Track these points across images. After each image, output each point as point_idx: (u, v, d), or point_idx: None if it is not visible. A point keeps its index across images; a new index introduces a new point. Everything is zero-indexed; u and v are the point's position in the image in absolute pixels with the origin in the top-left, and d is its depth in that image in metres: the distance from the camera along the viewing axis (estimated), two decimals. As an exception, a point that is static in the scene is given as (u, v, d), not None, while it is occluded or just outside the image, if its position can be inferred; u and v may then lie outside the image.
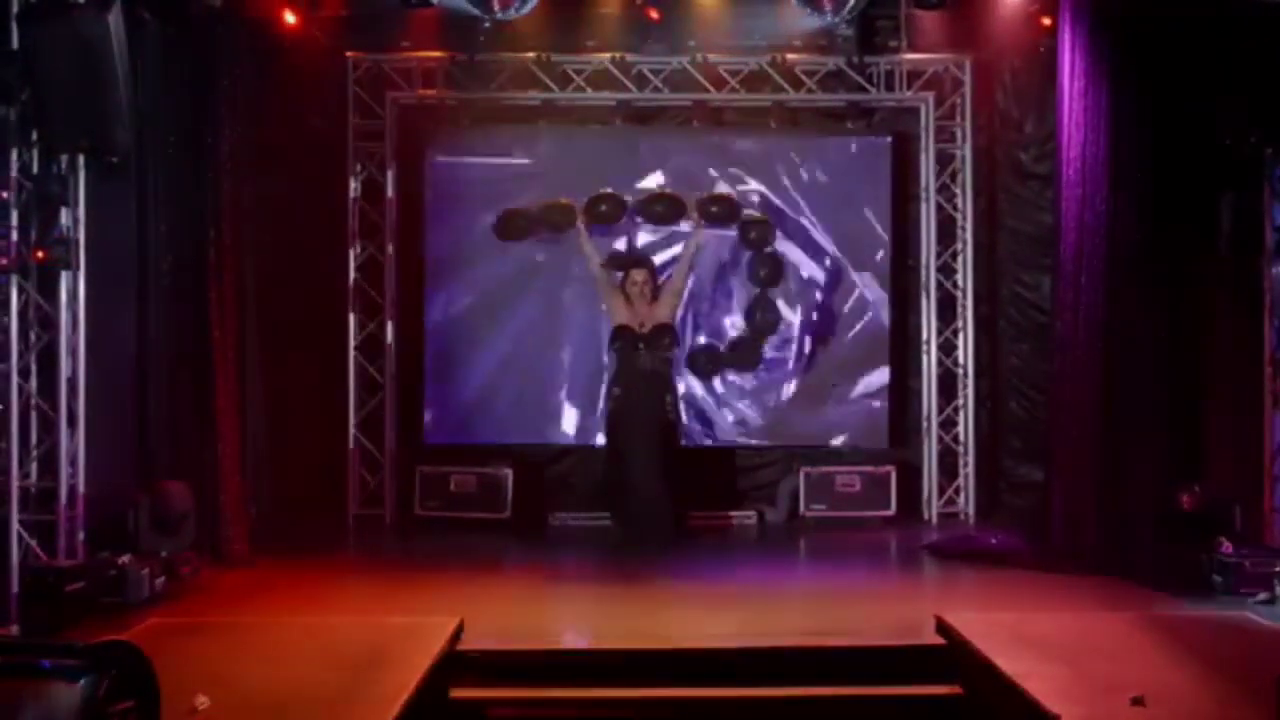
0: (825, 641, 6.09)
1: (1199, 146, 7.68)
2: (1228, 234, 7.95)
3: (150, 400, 7.76)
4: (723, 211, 9.17)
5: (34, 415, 6.86)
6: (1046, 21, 8.77)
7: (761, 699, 5.73)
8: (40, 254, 6.72)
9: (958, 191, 10.01)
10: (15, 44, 6.48)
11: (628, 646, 6.06)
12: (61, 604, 6.21)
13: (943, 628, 5.98)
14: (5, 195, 6.63)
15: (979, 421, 9.96)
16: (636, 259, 9.20)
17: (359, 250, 9.85)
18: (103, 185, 7.11)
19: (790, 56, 9.77)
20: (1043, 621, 6.16)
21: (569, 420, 9.90)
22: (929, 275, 9.99)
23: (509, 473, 9.57)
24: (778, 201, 9.95)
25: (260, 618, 6.42)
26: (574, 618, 6.69)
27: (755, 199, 9.88)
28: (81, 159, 6.90)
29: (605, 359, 9.41)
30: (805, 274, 9.99)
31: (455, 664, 5.74)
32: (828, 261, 9.99)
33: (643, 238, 9.80)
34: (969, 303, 9.97)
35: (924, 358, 10.03)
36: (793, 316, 9.94)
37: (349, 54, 9.69)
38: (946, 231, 10.02)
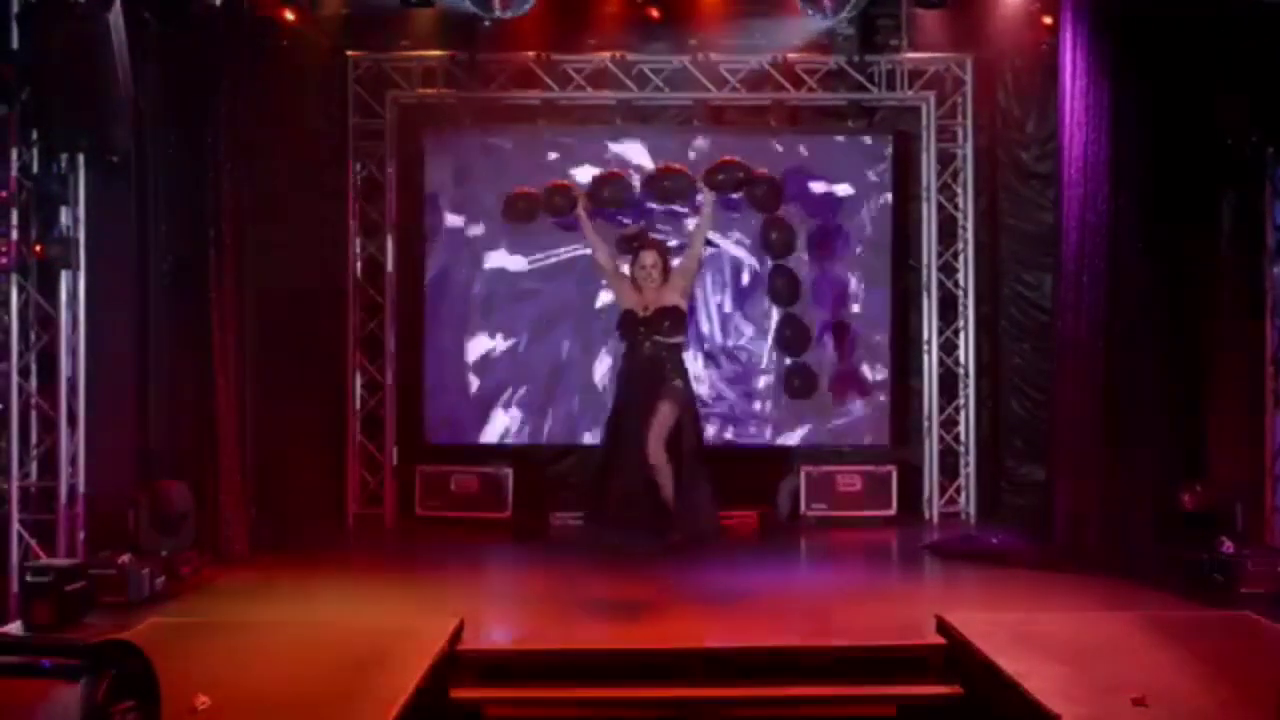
0: (826, 641, 6.08)
1: (1200, 145, 7.68)
2: (1229, 233, 7.94)
3: (150, 400, 7.76)
4: (729, 179, 8.46)
5: (34, 415, 6.87)
6: (1048, 20, 8.78)
7: (761, 698, 5.72)
8: (39, 248, 6.71)
9: (959, 191, 10.00)
10: (15, 43, 6.48)
11: (628, 646, 6.06)
12: (62, 603, 6.20)
13: (943, 627, 5.97)
14: (5, 195, 6.62)
15: (980, 421, 9.95)
16: (646, 240, 8.55)
17: (359, 249, 9.84)
18: (103, 185, 7.10)
19: (791, 56, 9.77)
20: (1044, 621, 6.15)
21: (570, 420, 9.89)
22: (930, 274, 9.98)
23: (509, 472, 9.57)
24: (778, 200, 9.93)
25: (260, 617, 6.41)
26: (574, 618, 6.68)
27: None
28: (82, 158, 6.90)
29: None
30: (805, 274, 9.96)
31: (455, 664, 5.74)
32: (827, 260, 9.98)
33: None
34: (970, 302, 9.97)
35: (925, 357, 10.02)
36: (793, 314, 9.92)
37: (349, 53, 9.68)
38: (948, 231, 10.02)
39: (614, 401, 8.18)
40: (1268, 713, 4.76)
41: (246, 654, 5.54)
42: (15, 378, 6.70)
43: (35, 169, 6.72)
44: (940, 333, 10.00)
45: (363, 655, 5.48)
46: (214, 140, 7.98)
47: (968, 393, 9.97)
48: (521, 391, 9.92)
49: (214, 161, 7.96)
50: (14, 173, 6.66)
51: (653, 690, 5.74)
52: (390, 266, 9.84)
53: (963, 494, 9.95)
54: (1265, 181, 7.66)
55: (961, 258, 9.99)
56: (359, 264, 9.85)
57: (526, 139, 9.96)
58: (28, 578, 6.28)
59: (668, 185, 8.63)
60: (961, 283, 9.99)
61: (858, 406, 9.95)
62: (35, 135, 6.64)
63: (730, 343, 10.01)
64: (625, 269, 8.11)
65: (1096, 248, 7.73)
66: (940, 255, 10.00)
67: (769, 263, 9.26)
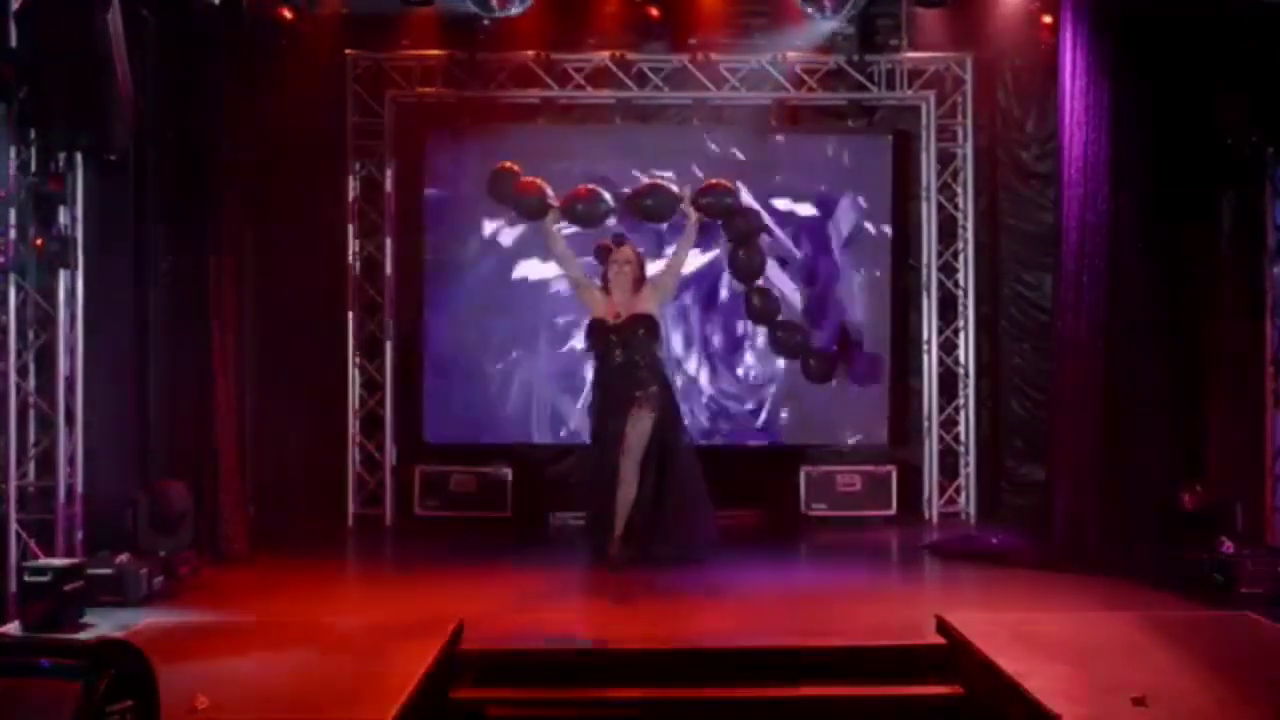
0: (826, 641, 6.07)
1: (1200, 145, 7.67)
2: (1229, 233, 7.93)
3: (149, 399, 7.75)
4: (717, 205, 8.27)
5: (32, 414, 6.85)
6: (1048, 20, 8.78)
7: (761, 699, 5.71)
8: (40, 242, 6.69)
9: (959, 190, 9.99)
10: (14, 41, 6.46)
11: (628, 647, 6.05)
12: (60, 603, 6.19)
13: (943, 627, 5.97)
14: (3, 194, 6.61)
15: (980, 421, 9.95)
16: (622, 239, 8.13)
17: (358, 249, 9.83)
18: (101, 184, 7.09)
19: (791, 55, 9.76)
20: (1044, 621, 6.15)
21: (570, 419, 9.88)
22: (930, 274, 9.98)
23: (509, 472, 9.56)
24: (776, 197, 9.95)
25: (259, 618, 6.40)
26: (574, 618, 6.67)
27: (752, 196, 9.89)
28: (80, 157, 6.88)
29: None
30: (803, 272, 9.97)
31: (455, 664, 5.73)
32: (828, 261, 9.98)
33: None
34: (970, 302, 9.96)
35: (925, 357, 10.02)
36: (792, 315, 9.93)
37: (348, 52, 9.67)
38: (947, 230, 10.01)
39: (592, 418, 7.96)
40: (1268, 713, 4.75)
41: (245, 654, 5.53)
42: (13, 377, 6.69)
43: (33, 168, 6.70)
44: (940, 332, 10.00)
45: (362, 655, 5.48)
46: (212, 139, 7.97)
47: (968, 393, 9.96)
48: (521, 391, 9.91)
49: (212, 161, 7.95)
50: (12, 171, 6.64)
51: (653, 690, 5.72)
52: (389, 266, 9.83)
53: (963, 494, 9.95)
54: (1265, 181, 7.64)
55: (961, 257, 9.99)
56: (358, 263, 9.84)
57: (526, 138, 9.94)
58: (26, 577, 6.27)
59: (649, 204, 8.28)
60: (961, 282, 9.99)
61: (858, 404, 9.94)
62: (33, 134, 6.62)
63: (729, 341, 9.99)
64: (596, 280, 7.92)
65: (1096, 247, 7.72)
66: (940, 255, 10.00)
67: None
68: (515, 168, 8.26)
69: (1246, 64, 7.28)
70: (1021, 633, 5.77)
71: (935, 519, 9.79)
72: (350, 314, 9.78)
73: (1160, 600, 6.78)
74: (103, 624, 6.08)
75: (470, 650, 5.85)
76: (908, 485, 9.81)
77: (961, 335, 10.00)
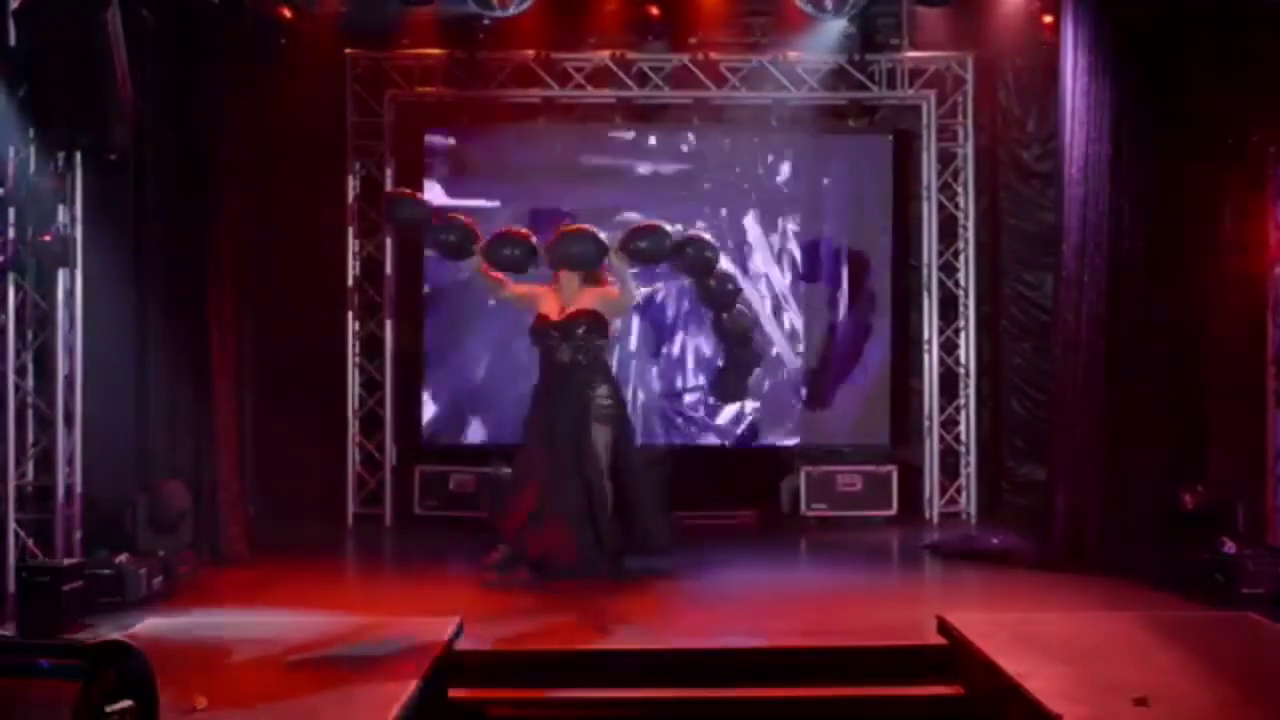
0: (826, 641, 6.06)
1: (1202, 145, 7.66)
2: (1230, 233, 7.92)
3: (148, 399, 7.74)
4: (654, 248, 7.41)
5: (31, 414, 6.84)
6: (1049, 19, 8.76)
7: (762, 699, 5.70)
8: (48, 237, 6.68)
9: (959, 190, 9.98)
10: (13, 40, 6.45)
11: (627, 647, 6.04)
12: (59, 603, 6.18)
13: (944, 628, 5.95)
14: (2, 193, 6.60)
15: (981, 421, 9.94)
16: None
17: (358, 249, 9.82)
18: (100, 183, 7.08)
19: (791, 54, 9.75)
20: (1045, 621, 6.13)
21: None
22: (930, 274, 9.97)
23: (508, 472, 9.52)
24: (778, 197, 9.95)
25: (258, 618, 6.39)
26: (573, 618, 6.66)
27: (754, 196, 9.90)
28: (79, 157, 6.88)
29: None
30: (804, 272, 9.97)
31: (454, 665, 5.71)
32: (829, 260, 9.97)
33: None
34: (971, 302, 9.95)
35: (925, 357, 10.00)
36: (793, 315, 9.93)
37: (348, 51, 9.66)
38: (948, 230, 10.00)
39: (530, 415, 7.51)
40: (1269, 713, 4.74)
41: (244, 654, 5.51)
42: (12, 377, 6.68)
43: (33, 167, 6.70)
44: (941, 332, 9.99)
45: (362, 655, 5.46)
46: (211, 139, 7.96)
47: (968, 392, 9.95)
48: (521, 391, 9.87)
49: (211, 160, 7.95)
50: (11, 170, 6.63)
51: (652, 691, 5.71)
52: (389, 266, 9.82)
53: (963, 494, 9.94)
54: (1267, 181, 7.64)
55: (962, 257, 9.98)
56: (358, 263, 9.83)
57: (526, 137, 9.94)
58: (25, 578, 6.26)
59: (575, 252, 7.42)
60: (962, 282, 9.98)
61: (859, 404, 9.93)
62: (33, 133, 6.61)
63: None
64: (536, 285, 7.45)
65: (1098, 247, 7.72)
66: (941, 255, 9.99)
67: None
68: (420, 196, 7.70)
69: (1249, 63, 7.27)
70: (1022, 633, 5.75)
71: (936, 519, 9.78)
72: (350, 314, 9.77)
73: (1161, 600, 6.77)
74: (102, 624, 6.07)
75: (469, 650, 5.83)
76: (908, 485, 9.80)
77: (962, 335, 9.99)
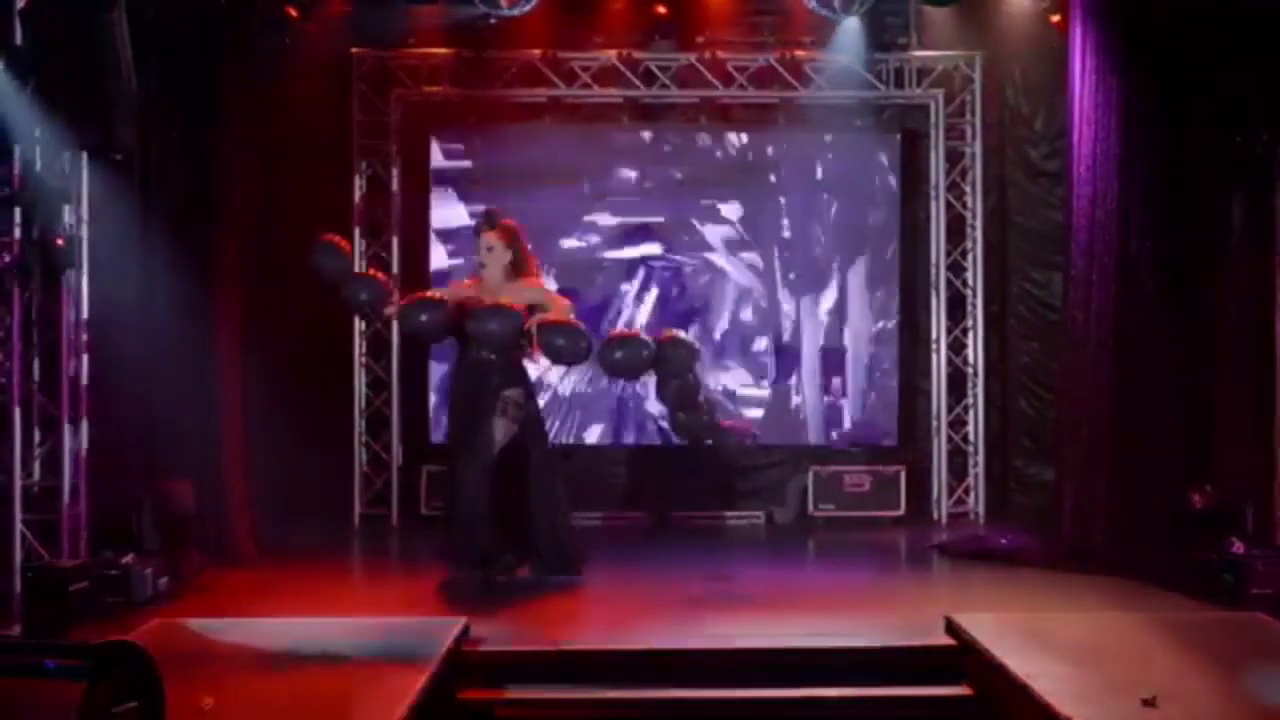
0: (833, 642, 6.04)
1: (1211, 144, 7.63)
2: (1240, 232, 7.88)
3: (154, 399, 7.73)
4: (628, 359, 6.75)
5: (37, 414, 6.83)
6: (1056, 18, 8.73)
7: (769, 700, 5.68)
8: (61, 241, 6.68)
9: (967, 189, 9.96)
10: (19, 39, 6.45)
11: (635, 647, 6.02)
12: (65, 604, 6.17)
13: (952, 628, 5.93)
14: (8, 192, 6.60)
15: (989, 421, 9.91)
16: (490, 219, 6.98)
17: (364, 248, 9.82)
18: (106, 183, 7.08)
19: (799, 53, 9.73)
20: (1053, 622, 6.11)
21: (579, 419, 9.86)
22: (938, 273, 9.94)
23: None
24: (785, 196, 9.94)
25: (265, 618, 6.38)
26: (581, 618, 6.65)
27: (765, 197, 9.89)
28: (85, 156, 6.87)
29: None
30: (812, 272, 9.96)
31: (462, 665, 5.70)
32: (836, 259, 9.96)
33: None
34: (979, 301, 9.93)
35: (933, 356, 9.98)
36: (800, 315, 9.92)
37: (354, 50, 9.65)
38: (956, 229, 9.98)
39: (450, 425, 7.09)
40: (1278, 714, 4.71)
41: (251, 655, 5.50)
42: (18, 376, 6.67)
43: (39, 166, 6.69)
44: (949, 332, 9.96)
45: (368, 656, 5.45)
46: (217, 138, 7.96)
47: (976, 392, 9.93)
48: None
49: (217, 160, 7.94)
50: (17, 170, 6.63)
51: (659, 692, 5.70)
52: (395, 265, 9.81)
53: (971, 494, 9.91)
54: (1276, 179, 7.60)
55: (970, 256, 9.95)
56: (364, 263, 9.81)
57: (532, 137, 9.93)
58: (31, 578, 6.26)
59: (494, 329, 6.65)
60: (970, 281, 9.95)
61: (866, 404, 9.92)
62: (39, 133, 6.61)
63: (735, 341, 9.98)
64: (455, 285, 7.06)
65: (1106, 246, 7.69)
66: (949, 254, 9.96)
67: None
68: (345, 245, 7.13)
69: (1257, 61, 7.23)
70: (1031, 633, 5.73)
71: (944, 519, 9.76)
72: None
73: (1170, 601, 6.75)
74: (107, 625, 6.06)
75: (477, 651, 5.82)
76: (916, 485, 9.78)
77: (970, 334, 9.97)
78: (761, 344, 9.94)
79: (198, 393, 7.82)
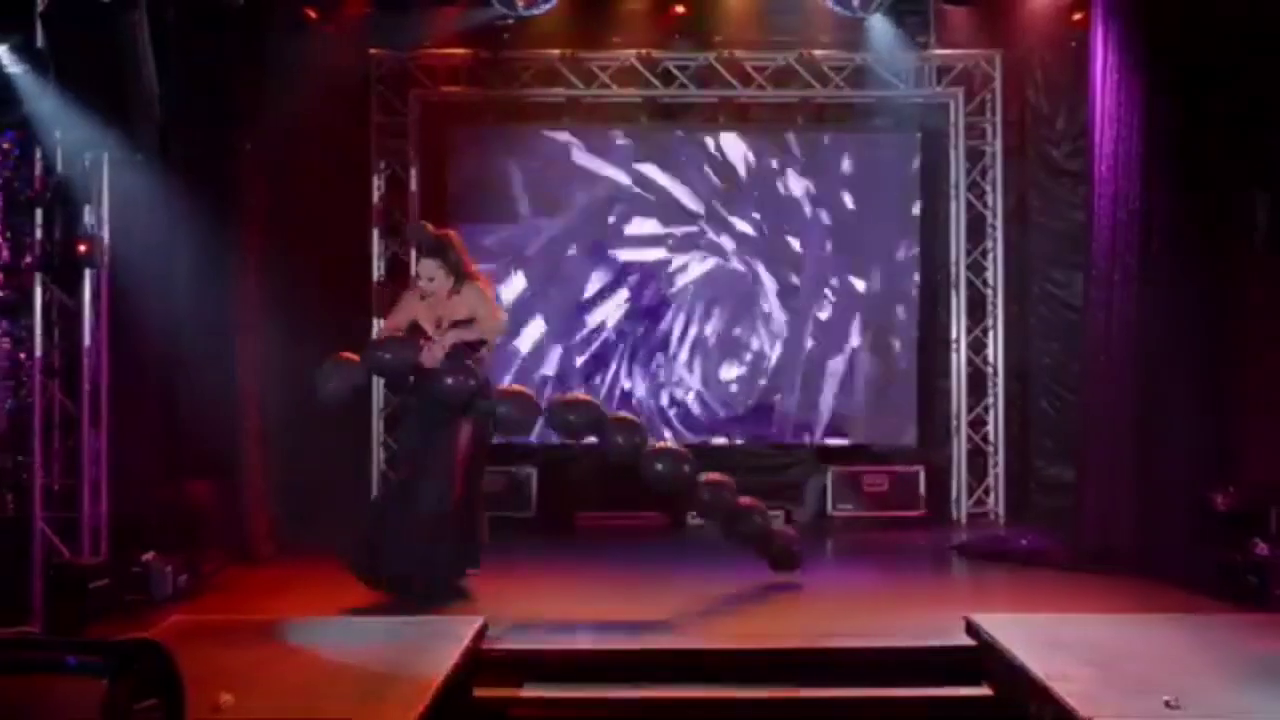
0: (853, 642, 6.02)
1: (1234, 143, 7.56)
2: (1264, 231, 7.80)
3: (174, 399, 7.77)
4: (582, 420, 6.87)
5: (58, 413, 6.87)
6: (1078, 16, 8.68)
7: (788, 700, 5.66)
8: (84, 246, 6.71)
9: (987, 188, 9.92)
10: (40, 42, 6.48)
11: (652, 646, 6.02)
12: (85, 601, 6.21)
13: (972, 629, 5.90)
14: (30, 194, 6.64)
15: (1009, 421, 9.86)
16: (427, 243, 6.92)
17: (382, 249, 9.84)
18: (127, 184, 7.11)
19: (818, 52, 9.71)
20: (1074, 623, 6.06)
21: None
22: (958, 273, 9.91)
23: (533, 472, 9.54)
24: (804, 197, 9.91)
25: (283, 616, 6.40)
26: (599, 617, 6.64)
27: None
28: (106, 157, 6.90)
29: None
30: (831, 272, 9.93)
31: (479, 663, 5.70)
32: (855, 258, 9.93)
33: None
34: (999, 301, 9.88)
35: (953, 356, 9.95)
36: (820, 314, 9.91)
37: (372, 51, 9.68)
38: (976, 229, 9.94)
39: (403, 430, 6.99)
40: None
41: (269, 652, 5.51)
42: (39, 376, 6.71)
43: (60, 167, 6.73)
44: (969, 332, 9.93)
45: (386, 654, 5.45)
46: (237, 139, 7.99)
47: (996, 392, 9.89)
48: (545, 390, 9.89)
49: (237, 160, 7.97)
50: (38, 171, 6.67)
51: (678, 691, 5.69)
52: (413, 266, 9.81)
53: (991, 494, 9.87)
54: (1300, 179, 7.54)
55: (990, 256, 9.91)
56: (382, 263, 9.84)
57: (551, 137, 9.94)
58: (52, 576, 6.29)
59: (450, 384, 6.66)
60: (990, 281, 9.91)
61: (885, 404, 9.88)
62: (59, 134, 6.64)
63: (750, 340, 9.96)
64: (407, 299, 6.93)
65: (1128, 246, 7.64)
66: (969, 253, 9.92)
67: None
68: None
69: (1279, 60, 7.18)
70: (1052, 634, 5.69)
71: (964, 520, 9.72)
72: (375, 312, 9.77)
73: (1193, 602, 6.69)
74: (128, 623, 6.08)
75: (494, 649, 5.82)
76: (935, 486, 9.74)
77: (990, 334, 9.92)
78: (777, 343, 9.92)
79: (217, 392, 7.85)
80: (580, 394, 7.60)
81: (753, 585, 7.38)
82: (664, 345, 9.94)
